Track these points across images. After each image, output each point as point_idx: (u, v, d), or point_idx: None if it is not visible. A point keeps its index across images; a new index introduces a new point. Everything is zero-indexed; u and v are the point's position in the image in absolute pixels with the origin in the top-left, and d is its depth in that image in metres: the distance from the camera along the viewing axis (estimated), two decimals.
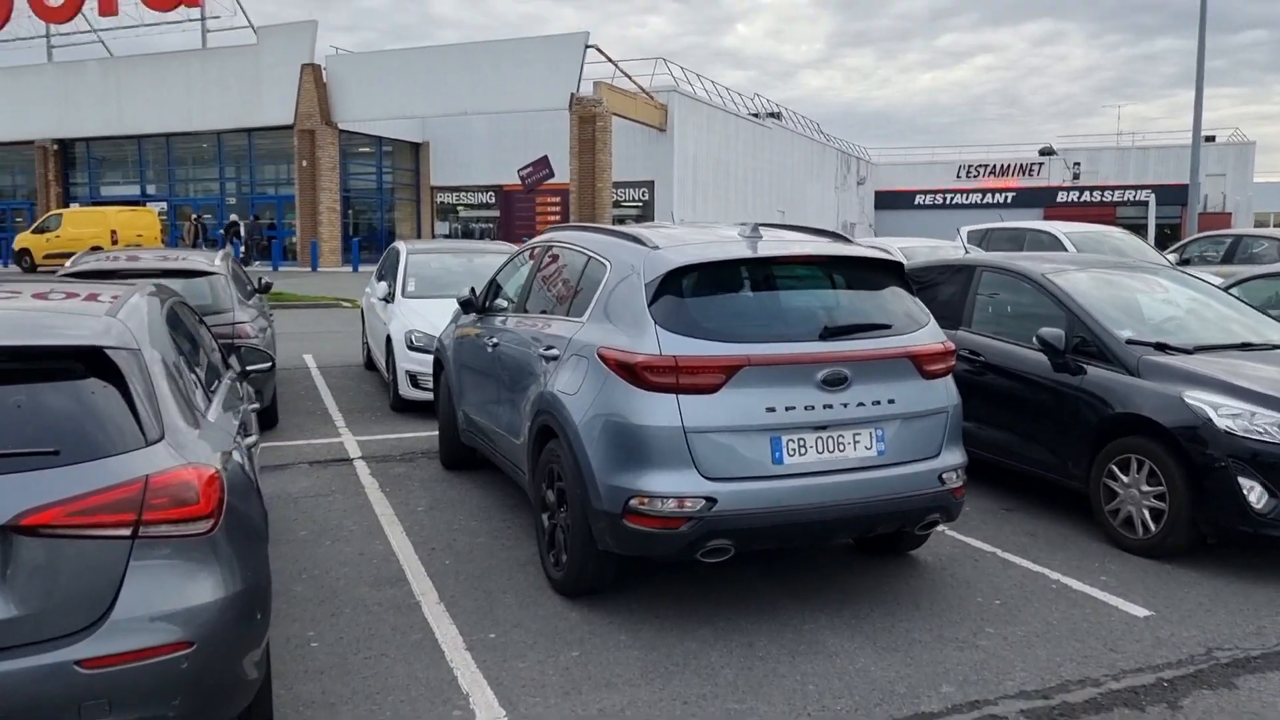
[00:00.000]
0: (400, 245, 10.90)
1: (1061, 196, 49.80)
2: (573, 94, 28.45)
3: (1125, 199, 48.12)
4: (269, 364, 5.22)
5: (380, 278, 11.17)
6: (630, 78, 31.55)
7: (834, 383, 4.21)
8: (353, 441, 8.00)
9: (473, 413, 6.36)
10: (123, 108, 34.26)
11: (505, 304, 6.25)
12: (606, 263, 4.83)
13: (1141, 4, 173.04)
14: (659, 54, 33.22)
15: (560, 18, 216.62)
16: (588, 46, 28.41)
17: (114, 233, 27.58)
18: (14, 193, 37.58)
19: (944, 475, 4.48)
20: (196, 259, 8.09)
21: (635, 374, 4.19)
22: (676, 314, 4.30)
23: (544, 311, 5.48)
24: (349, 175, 34.13)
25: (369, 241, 34.60)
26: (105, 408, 2.67)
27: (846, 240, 5.25)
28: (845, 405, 4.24)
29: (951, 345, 4.70)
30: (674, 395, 4.12)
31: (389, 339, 9.21)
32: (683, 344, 4.18)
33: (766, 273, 4.72)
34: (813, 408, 4.19)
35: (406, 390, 8.87)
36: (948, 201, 59.85)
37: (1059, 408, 5.74)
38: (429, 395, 8.43)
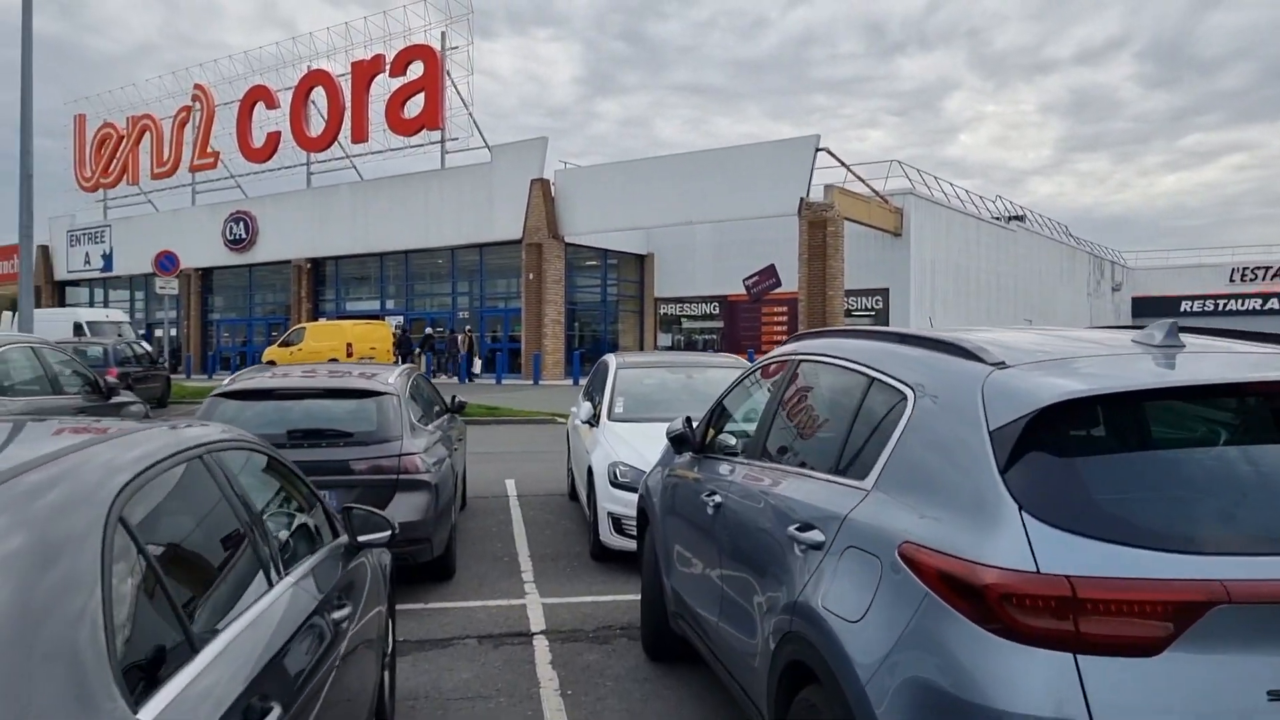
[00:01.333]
0: (610, 359, 9.42)
1: None
2: (802, 199, 26.97)
3: None
4: (388, 534, 3.60)
5: (587, 396, 9.72)
6: (863, 180, 29.78)
7: None
8: (538, 606, 6.34)
9: (685, 593, 4.51)
10: (369, 227, 36.01)
11: (733, 442, 4.43)
12: (905, 389, 2.91)
13: None
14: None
15: (780, 134, 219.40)
16: (818, 150, 26.98)
17: (349, 345, 28.33)
18: (274, 308, 40.25)
19: None
20: (363, 378, 6.88)
21: (985, 603, 2.20)
22: (1057, 489, 2.28)
23: (796, 461, 3.61)
24: (574, 288, 34.06)
25: (592, 354, 34.17)
26: None
27: None
28: None
29: None
30: (1069, 654, 2.11)
31: (590, 470, 7.63)
32: (1079, 550, 2.17)
33: (1222, 415, 2.60)
34: None
35: (608, 536, 7.20)
36: (1220, 308, 53.60)
37: None
38: (635, 545, 6.73)
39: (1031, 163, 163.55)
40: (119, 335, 36.51)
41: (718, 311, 35.39)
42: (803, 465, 3.50)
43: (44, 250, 47.86)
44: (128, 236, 43.81)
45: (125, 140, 43.72)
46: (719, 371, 8.82)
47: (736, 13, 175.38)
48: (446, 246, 34.62)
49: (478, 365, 32.08)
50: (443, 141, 34.10)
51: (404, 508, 6.03)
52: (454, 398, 9.13)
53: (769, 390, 4.23)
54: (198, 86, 40.97)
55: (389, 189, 35.69)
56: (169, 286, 23.88)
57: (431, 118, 33.13)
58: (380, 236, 35.75)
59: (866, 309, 32.42)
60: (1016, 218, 41.81)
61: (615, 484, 7.15)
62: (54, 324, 37.83)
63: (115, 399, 9.15)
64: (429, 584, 6.73)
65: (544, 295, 31.80)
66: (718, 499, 4.06)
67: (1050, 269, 44.00)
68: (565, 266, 32.30)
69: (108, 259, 45.02)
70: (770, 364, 4.42)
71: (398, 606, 5.23)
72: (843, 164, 28.76)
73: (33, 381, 8.92)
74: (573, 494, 9.92)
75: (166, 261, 23.71)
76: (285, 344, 30.45)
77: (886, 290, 31.82)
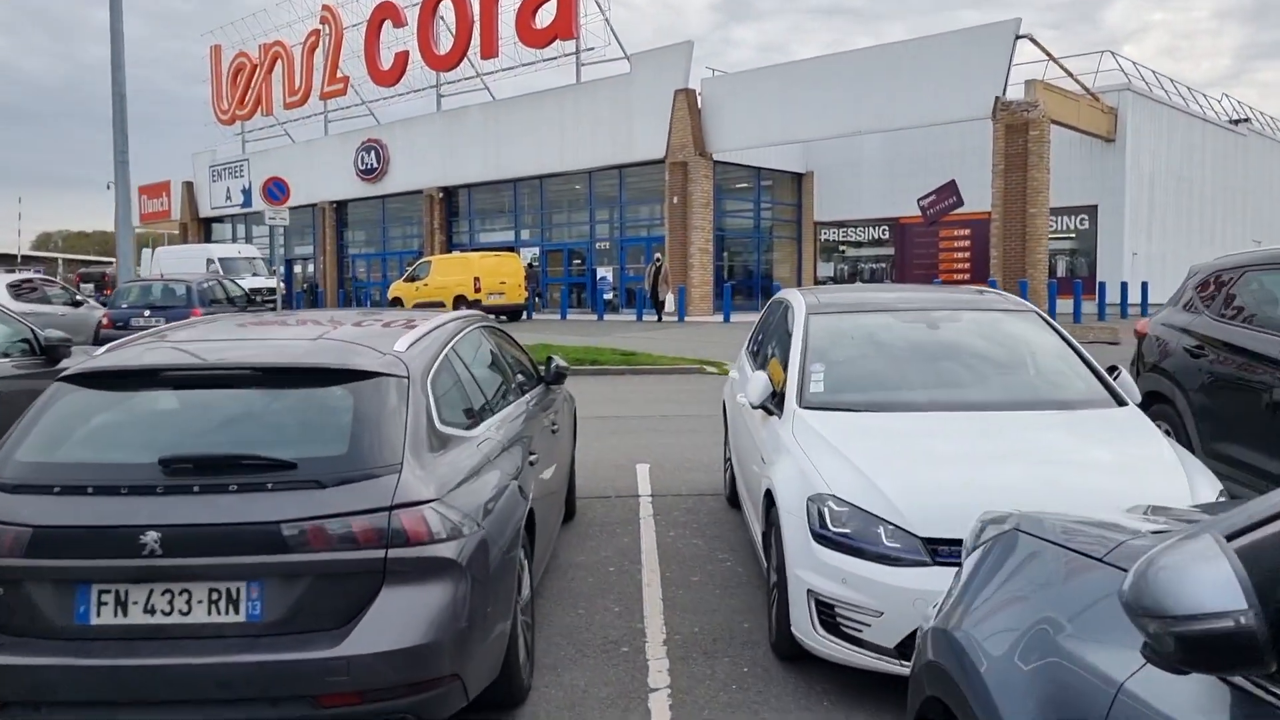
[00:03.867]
0: (792, 299, 5.82)
1: None
2: (998, 98, 22.43)
3: None
4: None
5: (754, 354, 6.41)
6: (1072, 75, 24.80)
7: None
8: None
9: None
10: (500, 152, 33.30)
11: None
12: None
13: None
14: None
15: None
16: (1018, 37, 22.30)
17: (476, 280, 25.76)
18: (408, 242, 38.26)
19: None
20: (344, 344, 3.69)
21: None
22: None
23: None
24: (722, 213, 30.42)
25: (743, 287, 30.63)
26: None
27: None
28: None
29: None
30: None
31: (771, 498, 4.34)
32: None
33: None
34: None
35: (809, 630, 3.89)
36: None
37: None
38: (864, 657, 3.58)
39: (1206, 75, 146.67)
40: (253, 272, 35.45)
41: (887, 236, 31.11)
42: None
43: (188, 186, 47.61)
44: (264, 170, 42.44)
45: (258, 70, 42.37)
46: (992, 320, 5.34)
47: None
48: (583, 169, 31.51)
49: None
50: (577, 53, 30.82)
51: (397, 622, 2.92)
52: (553, 362, 5.90)
53: None
54: (325, 7, 38.93)
55: (521, 108, 32.76)
56: (279, 217, 21.74)
57: (565, 26, 29.83)
58: (513, 161, 32.98)
59: (1065, 231, 27.58)
60: (1242, 120, 35.42)
61: (823, 537, 3.83)
62: (188, 259, 37.05)
63: (63, 361, 6.36)
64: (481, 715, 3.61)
65: (690, 220, 28.36)
66: None
67: None
68: (713, 188, 28.70)
69: (246, 194, 44.04)
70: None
71: None
72: (1047, 54, 23.90)
73: None
74: (733, 497, 6.67)
75: (275, 189, 21.54)
76: (411, 279, 28.20)
77: (1094, 208, 26.88)
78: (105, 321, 15.09)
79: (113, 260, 65.26)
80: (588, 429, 9.28)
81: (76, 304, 16.79)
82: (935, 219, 29.16)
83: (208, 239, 46.52)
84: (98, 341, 15.30)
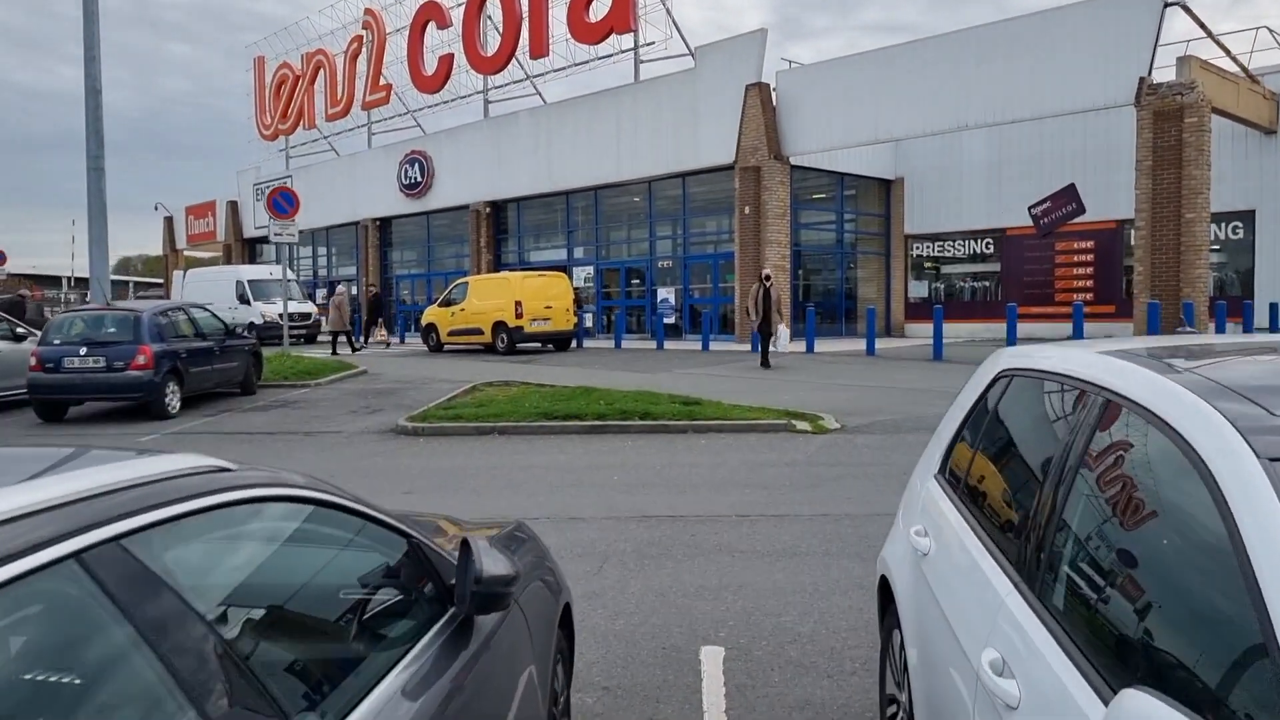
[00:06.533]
0: (1190, 417, 1.77)
1: None
2: (1143, 79, 18.43)
3: None
4: None
5: (964, 499, 2.73)
6: (1230, 54, 20.62)
7: None
8: None
9: None
10: (552, 161, 30.08)
11: None
12: None
13: None
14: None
15: None
16: (1167, 5, 18.30)
17: (518, 304, 22.41)
18: (459, 261, 35.19)
19: None
20: None
21: None
22: None
23: None
24: (799, 224, 26.70)
25: (823, 309, 26.80)
26: None
27: None
28: None
29: None
30: None
31: None
32: None
33: None
34: None
35: None
36: None
37: None
38: None
39: None
40: (288, 296, 32.67)
41: (991, 250, 27.02)
42: None
43: (233, 206, 45.48)
44: (307, 186, 40.12)
45: (301, 80, 39.98)
46: None
47: None
48: (643, 178, 28.06)
49: (783, 337, 19.22)
50: (636, 48, 27.50)
51: None
52: (471, 570, 2.27)
53: None
54: (368, 11, 36.33)
55: (574, 112, 29.51)
56: (286, 233, 18.75)
57: (621, 18, 26.54)
58: (565, 171, 29.71)
59: (1214, 241, 23.25)
60: None
61: None
62: (217, 283, 34.45)
63: None
64: None
65: (764, 233, 24.72)
66: None
67: None
68: (790, 196, 25.03)
69: None
70: None
71: None
72: (1203, 27, 19.76)
73: None
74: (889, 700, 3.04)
75: (281, 202, 18.54)
76: (446, 303, 24.99)
77: (1251, 214, 22.56)
78: (34, 362, 12.02)
79: (140, 283, 63.31)
80: (623, 546, 5.84)
81: (18, 337, 13.76)
82: (1051, 229, 25.14)
83: (252, 260, 44.20)
84: (31, 388, 12.22)
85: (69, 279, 67.13)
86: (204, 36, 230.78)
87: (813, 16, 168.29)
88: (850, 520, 6.92)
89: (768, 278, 18.33)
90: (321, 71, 38.89)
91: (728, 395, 13.24)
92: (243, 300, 32.23)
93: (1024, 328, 20.80)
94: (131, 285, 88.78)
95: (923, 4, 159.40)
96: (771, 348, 18.16)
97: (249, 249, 45.62)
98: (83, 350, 11.87)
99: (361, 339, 28.62)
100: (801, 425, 10.91)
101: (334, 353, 23.18)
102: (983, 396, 3.09)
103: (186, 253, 52.59)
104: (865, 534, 6.46)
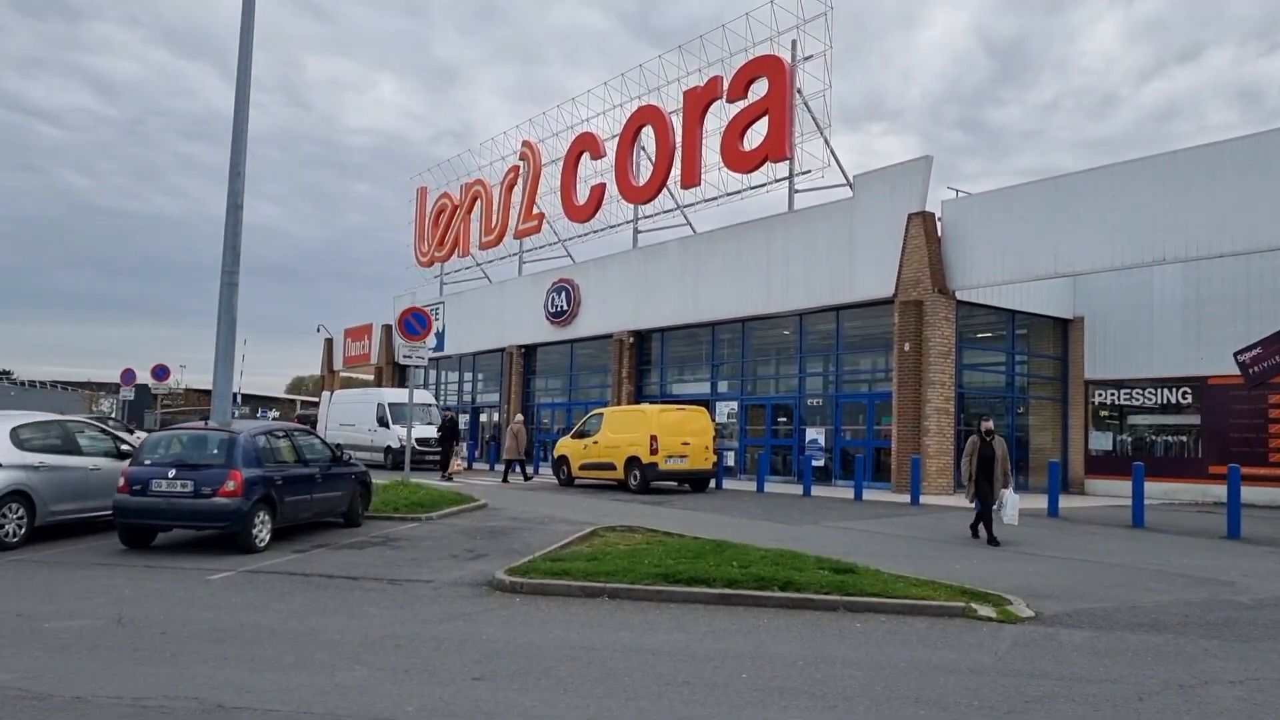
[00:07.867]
0: None
1: None
2: None
3: None
4: None
5: None
6: None
7: None
8: None
9: None
10: (699, 291, 29.00)
11: None
12: None
13: None
14: None
15: None
16: None
17: (653, 439, 20.88)
18: (602, 391, 34.19)
19: None
20: None
21: None
22: None
23: None
24: (962, 365, 24.39)
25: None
26: None
27: None
28: None
29: None
30: None
31: None
32: None
33: None
34: None
35: None
36: None
37: None
38: None
39: None
40: (427, 420, 32.31)
41: (1189, 400, 23.88)
42: None
43: (387, 330, 46.35)
44: (458, 313, 40.58)
45: (459, 210, 40.87)
46: None
47: (1082, 92, 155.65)
48: (793, 311, 26.50)
49: (1011, 504, 13.81)
50: (790, 177, 26.41)
51: None
52: None
53: None
54: (525, 144, 36.95)
55: (724, 242, 28.49)
56: (416, 355, 17.99)
57: (776, 146, 25.57)
58: (713, 301, 28.53)
59: None
60: None
61: None
62: (361, 404, 34.53)
63: None
64: None
65: (925, 373, 22.58)
66: None
67: None
68: (955, 333, 22.89)
69: (440, 337, 41.91)
70: None
71: None
72: None
73: None
74: None
75: (413, 323, 17.87)
76: (580, 434, 23.72)
77: None
78: (121, 483, 11.17)
79: (314, 400, 65.46)
80: None
81: (121, 455, 13.09)
82: (1263, 379, 22.02)
83: (401, 383, 44.70)
84: (116, 511, 11.34)
85: (237, 395, 70.31)
86: (382, 176, 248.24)
87: (964, 161, 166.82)
88: None
89: (989, 432, 14.22)
90: (478, 201, 39.64)
91: (886, 560, 11.12)
92: (383, 423, 32.03)
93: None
94: (299, 403, 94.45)
95: (1080, 152, 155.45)
96: (996, 517, 13.82)
97: (398, 372, 46.18)
98: (171, 473, 10.95)
99: (507, 471, 26.50)
100: (984, 610, 8.71)
101: (505, 480, 24.40)
102: None
103: (344, 374, 54.00)
104: None
